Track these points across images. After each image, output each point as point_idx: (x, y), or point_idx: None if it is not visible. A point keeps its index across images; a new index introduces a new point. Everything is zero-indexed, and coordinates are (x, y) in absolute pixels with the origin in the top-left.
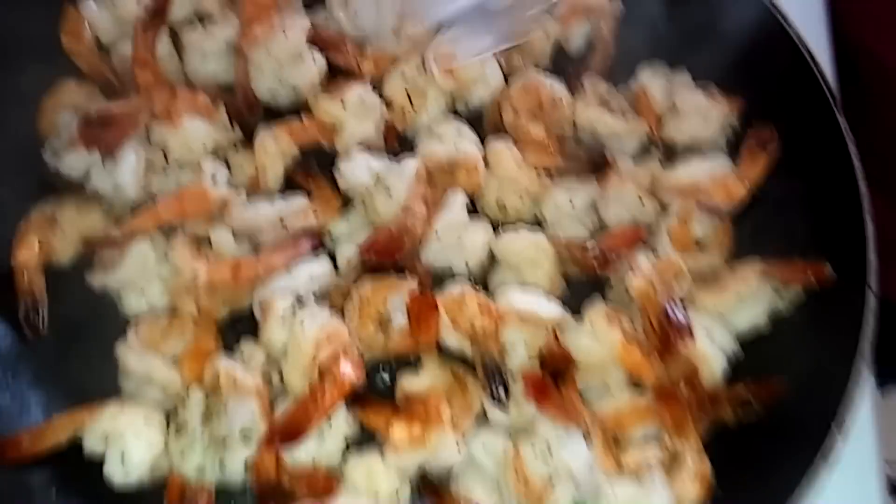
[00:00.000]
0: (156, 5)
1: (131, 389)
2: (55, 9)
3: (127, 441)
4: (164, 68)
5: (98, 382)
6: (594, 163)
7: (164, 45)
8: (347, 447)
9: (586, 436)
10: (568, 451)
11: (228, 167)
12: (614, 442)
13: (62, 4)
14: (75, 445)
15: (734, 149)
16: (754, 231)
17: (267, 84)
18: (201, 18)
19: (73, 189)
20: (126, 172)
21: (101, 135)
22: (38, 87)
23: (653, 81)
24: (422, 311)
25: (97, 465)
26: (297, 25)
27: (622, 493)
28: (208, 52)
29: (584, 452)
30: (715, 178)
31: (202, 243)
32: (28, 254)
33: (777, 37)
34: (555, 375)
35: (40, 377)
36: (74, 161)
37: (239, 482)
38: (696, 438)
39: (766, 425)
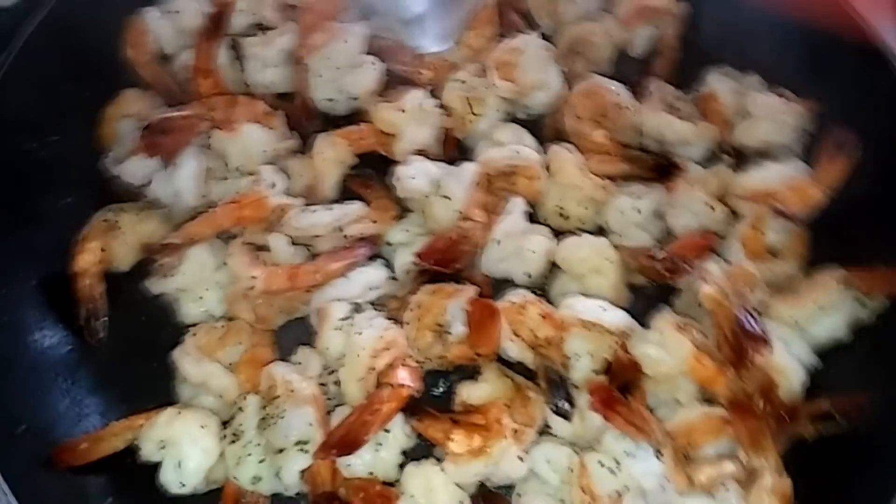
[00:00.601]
0: (217, 15)
1: (188, 397)
2: (119, 19)
3: (183, 448)
4: (225, 77)
5: (155, 389)
6: (661, 168)
7: (224, 55)
8: (405, 459)
9: (657, 450)
10: (638, 466)
11: (287, 175)
12: (685, 458)
13: (126, 15)
14: (131, 452)
15: (808, 154)
16: (832, 238)
17: (325, 92)
18: (261, 28)
19: (134, 197)
20: (186, 179)
21: (162, 142)
22: (100, 98)
23: (721, 85)
24: (482, 318)
25: (152, 472)
26: (356, 33)
27: None
28: (268, 61)
29: (655, 467)
30: (790, 183)
31: (260, 251)
32: (89, 260)
33: (851, 36)
34: (623, 388)
35: (99, 383)
36: (135, 168)
37: (294, 492)
38: (775, 454)
39: (850, 442)
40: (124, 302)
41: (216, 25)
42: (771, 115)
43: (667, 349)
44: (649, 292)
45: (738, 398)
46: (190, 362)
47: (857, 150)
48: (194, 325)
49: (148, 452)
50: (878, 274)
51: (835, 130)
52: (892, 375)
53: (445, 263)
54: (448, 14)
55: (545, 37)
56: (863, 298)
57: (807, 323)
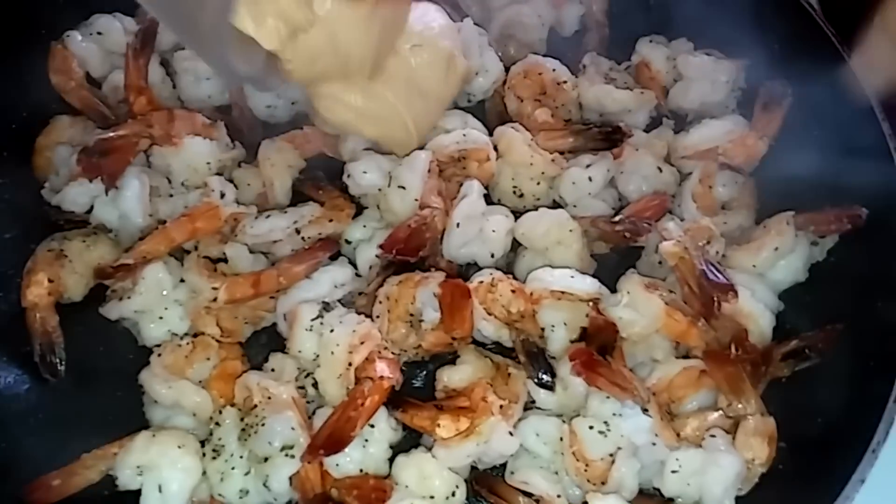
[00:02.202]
0: (146, 31)
1: (160, 419)
2: (41, 47)
3: (163, 471)
4: (158, 95)
5: (125, 417)
6: (607, 136)
7: (155, 72)
8: (393, 453)
9: (644, 407)
10: (627, 424)
11: (234, 185)
12: (669, 414)
13: (48, 43)
14: (108, 483)
15: (744, 108)
16: (777, 186)
17: (264, 99)
18: None
19: (78, 224)
20: (131, 200)
21: (102, 164)
22: (31, 128)
23: (653, 52)
24: (454, 299)
25: (133, 501)
26: None
27: (689, 462)
28: (200, 74)
29: (644, 423)
30: (732, 137)
31: (216, 263)
32: (38, 293)
33: None
34: (601, 350)
35: (64, 417)
36: (76, 195)
37: (285, 500)
38: (755, 396)
39: (824, 374)
40: (81, 332)
41: (145, 42)
42: (703, 75)
43: (638, 309)
44: (611, 260)
45: (713, 348)
46: (159, 383)
47: (789, 97)
48: (158, 345)
49: (126, 480)
50: (827, 214)
51: (767, 82)
52: (849, 304)
53: (409, 252)
54: None
55: (476, 24)
56: (815, 239)
57: (767, 268)
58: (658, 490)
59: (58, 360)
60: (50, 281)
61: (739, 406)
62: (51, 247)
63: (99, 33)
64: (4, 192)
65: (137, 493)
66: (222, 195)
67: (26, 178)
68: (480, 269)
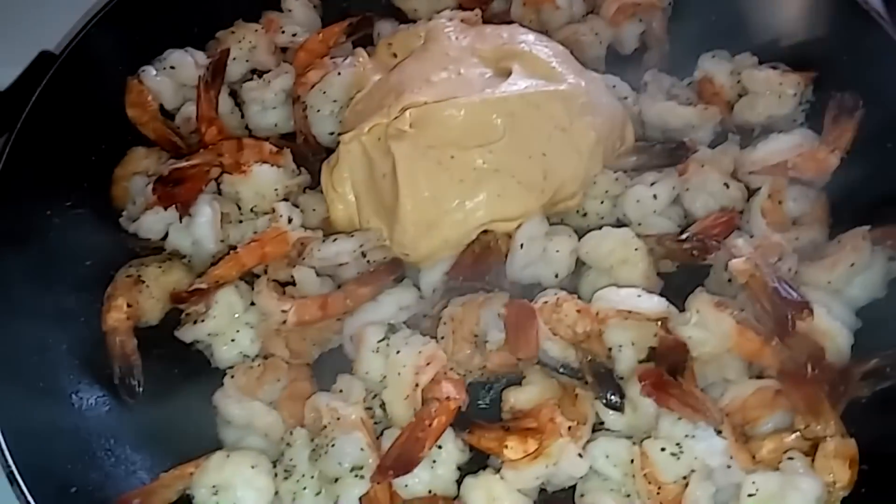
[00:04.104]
0: (216, 63)
1: (233, 440)
2: (117, 82)
3: (237, 490)
4: (228, 124)
5: (199, 437)
6: (671, 154)
7: (224, 103)
8: (461, 474)
9: (717, 428)
10: (701, 446)
11: (300, 210)
12: (744, 436)
13: (124, 78)
14: (187, 501)
15: (812, 121)
16: (851, 200)
17: (327, 126)
18: (257, 72)
19: (154, 251)
20: (203, 226)
21: (175, 192)
22: (108, 159)
23: (716, 67)
24: (519, 319)
25: None
26: (349, 66)
27: (766, 485)
28: (267, 103)
29: (718, 445)
30: (801, 150)
31: (285, 286)
32: (117, 317)
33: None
34: (671, 370)
35: (142, 438)
36: (152, 223)
37: None
38: (834, 417)
39: None
40: (158, 355)
41: (215, 74)
42: (769, 88)
43: (708, 328)
44: (678, 279)
45: (788, 367)
46: (232, 404)
47: (861, 109)
48: (230, 367)
49: (202, 499)
50: None
51: (838, 94)
52: None
53: (475, 277)
54: None
55: None
56: (893, 254)
57: (843, 285)
58: None
59: (136, 382)
60: (129, 306)
61: (818, 427)
62: (129, 273)
63: (172, 67)
64: (84, 222)
65: None
66: (290, 220)
67: (105, 208)
68: (544, 289)
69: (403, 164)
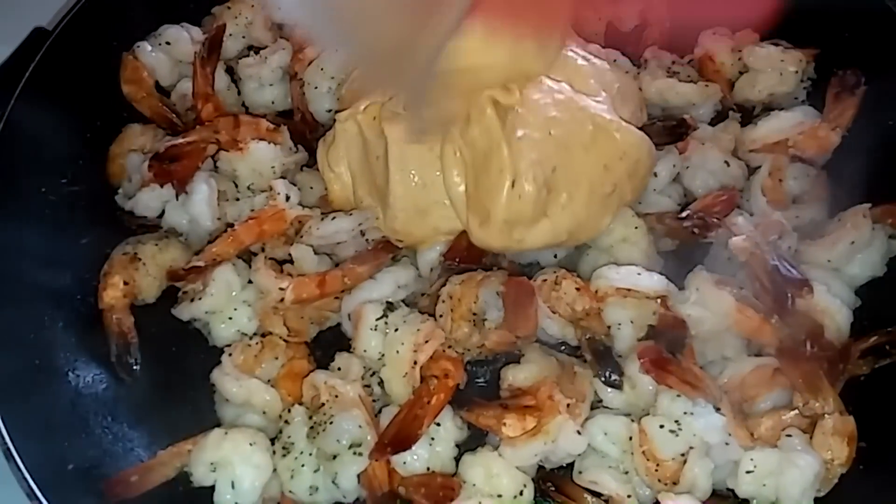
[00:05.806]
0: (213, 39)
1: (231, 417)
2: (112, 58)
3: (235, 467)
4: (224, 101)
5: (197, 415)
6: (671, 131)
7: (221, 80)
8: (460, 452)
9: (716, 405)
10: (699, 423)
11: (297, 188)
12: (742, 413)
13: (118, 53)
14: (183, 479)
15: (813, 98)
16: (851, 178)
17: (324, 103)
18: (254, 49)
19: (150, 229)
20: (200, 203)
21: (172, 169)
22: (104, 136)
23: (717, 44)
24: (518, 297)
25: (207, 497)
26: None
27: (764, 462)
28: (264, 80)
29: (717, 421)
30: (802, 128)
31: (283, 264)
32: (114, 295)
33: None
34: (671, 347)
35: (140, 416)
36: (148, 200)
37: (353, 498)
38: (833, 395)
39: None
40: (155, 332)
41: (211, 50)
42: (771, 65)
43: (707, 306)
44: (677, 257)
45: (787, 345)
46: (230, 381)
47: (863, 86)
48: (228, 345)
49: (200, 476)
50: None
51: (839, 71)
52: None
53: (472, 260)
54: None
55: None
56: (893, 232)
57: (842, 263)
58: (732, 491)
59: (133, 360)
60: (125, 283)
61: (816, 405)
62: (125, 250)
63: (167, 43)
64: (80, 199)
65: (212, 489)
66: (287, 198)
67: (101, 186)
68: (542, 268)
69: (395, 149)
